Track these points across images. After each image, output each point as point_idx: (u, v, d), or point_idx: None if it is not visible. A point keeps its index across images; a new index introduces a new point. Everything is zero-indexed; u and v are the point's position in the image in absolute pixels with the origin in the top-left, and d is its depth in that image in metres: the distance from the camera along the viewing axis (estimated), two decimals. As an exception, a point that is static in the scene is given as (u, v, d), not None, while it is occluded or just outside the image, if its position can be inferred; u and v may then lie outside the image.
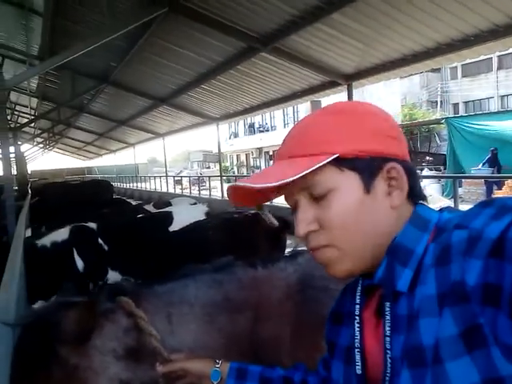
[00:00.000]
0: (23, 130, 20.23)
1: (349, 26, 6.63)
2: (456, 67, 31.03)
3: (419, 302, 0.71)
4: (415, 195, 0.81)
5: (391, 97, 28.22)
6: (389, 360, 0.74)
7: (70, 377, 1.26)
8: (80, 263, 3.94)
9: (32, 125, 20.81)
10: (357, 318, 0.84)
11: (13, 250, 2.84)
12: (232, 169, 42.90)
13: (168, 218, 4.46)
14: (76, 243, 3.99)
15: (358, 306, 0.85)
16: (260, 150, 39.65)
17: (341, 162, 0.77)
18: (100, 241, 4.11)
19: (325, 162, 0.75)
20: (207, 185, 18.06)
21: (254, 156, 41.51)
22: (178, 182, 21.48)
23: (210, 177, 18.99)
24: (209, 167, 47.25)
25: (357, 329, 0.83)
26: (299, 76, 9.16)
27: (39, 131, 23.95)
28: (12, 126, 16.18)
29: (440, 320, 0.66)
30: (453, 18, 5.85)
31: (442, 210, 0.80)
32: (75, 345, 1.28)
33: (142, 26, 7.16)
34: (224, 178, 17.45)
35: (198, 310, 1.48)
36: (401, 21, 6.18)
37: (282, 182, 0.74)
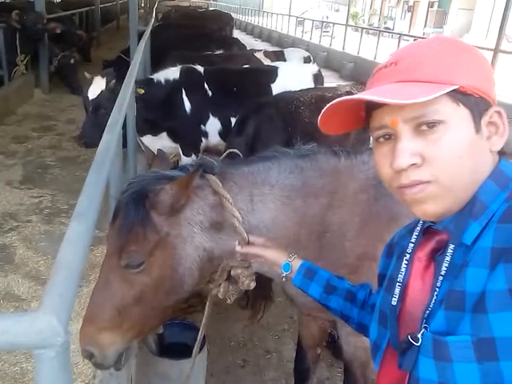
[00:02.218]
0: None
1: None
2: None
3: (473, 252, 0.73)
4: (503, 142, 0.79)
5: None
6: (434, 297, 0.77)
7: (162, 242, 1.40)
8: (187, 104, 4.07)
9: None
10: (407, 255, 0.87)
11: (127, 79, 2.92)
12: (362, 16, 38.87)
13: (272, 74, 4.34)
14: (185, 84, 4.06)
15: (412, 245, 0.87)
16: (398, -3, 34.75)
17: (459, 96, 0.74)
18: (206, 86, 4.14)
19: (450, 89, 0.72)
20: (331, 32, 16.75)
21: (391, 4, 36.71)
22: (300, 23, 20.17)
23: (334, 23, 17.50)
24: (338, 10, 43.25)
25: (404, 265, 0.87)
26: None
27: None
28: None
29: (491, 273, 0.68)
30: None
31: None
32: (169, 215, 1.41)
33: None
34: (350, 27, 15.97)
35: (278, 191, 1.56)
36: None
37: (429, 98, 0.69)
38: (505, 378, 0.67)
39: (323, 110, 0.83)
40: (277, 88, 4.21)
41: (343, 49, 14.31)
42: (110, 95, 3.62)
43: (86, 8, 12.98)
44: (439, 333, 0.73)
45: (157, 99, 3.95)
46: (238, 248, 1.35)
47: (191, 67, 4.23)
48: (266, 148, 1.73)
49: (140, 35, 5.70)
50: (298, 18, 21.06)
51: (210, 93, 4.13)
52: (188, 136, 4.12)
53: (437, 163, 0.74)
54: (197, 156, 4.13)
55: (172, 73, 4.10)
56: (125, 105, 2.38)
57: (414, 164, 0.75)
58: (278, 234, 1.55)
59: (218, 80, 4.19)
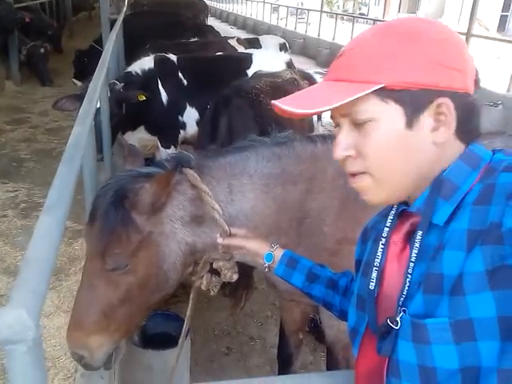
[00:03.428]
0: None
1: None
2: None
3: (449, 234, 0.73)
4: (468, 132, 0.78)
5: None
6: (407, 283, 0.78)
7: (145, 241, 1.38)
8: (164, 95, 3.97)
9: None
10: (383, 239, 0.87)
11: (98, 68, 2.76)
12: (337, 2, 38.82)
13: (247, 60, 4.29)
14: (161, 74, 3.96)
15: (387, 229, 0.88)
16: (373, -17, 34.82)
17: (386, 93, 0.74)
18: (180, 75, 4.06)
19: (368, 91, 0.73)
20: (306, 19, 16.67)
21: (365, -10, 36.77)
22: (275, 10, 20.01)
23: (309, 10, 17.42)
24: (312, -4, 43.12)
25: (380, 249, 0.87)
26: None
27: None
28: None
29: (468, 255, 0.69)
30: None
31: (495, 151, 0.79)
32: (150, 214, 1.38)
33: None
34: (325, 13, 15.91)
35: (257, 180, 1.56)
36: None
37: (319, 110, 0.74)
38: (482, 358, 0.68)
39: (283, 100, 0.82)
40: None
41: (318, 35, 14.27)
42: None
43: (56, -4, 12.62)
44: (418, 316, 0.74)
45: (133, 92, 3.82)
46: (219, 240, 1.34)
47: (165, 56, 4.12)
48: (238, 138, 1.72)
49: (112, 23, 5.56)
50: (272, 4, 20.90)
51: (185, 82, 4.04)
52: (166, 128, 4.03)
53: (368, 157, 0.77)
54: (176, 148, 4.06)
55: (147, 62, 3.99)
56: (96, 95, 2.30)
57: (349, 156, 0.79)
58: (257, 222, 1.55)
59: (192, 68, 4.11)
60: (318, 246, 1.63)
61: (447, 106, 0.74)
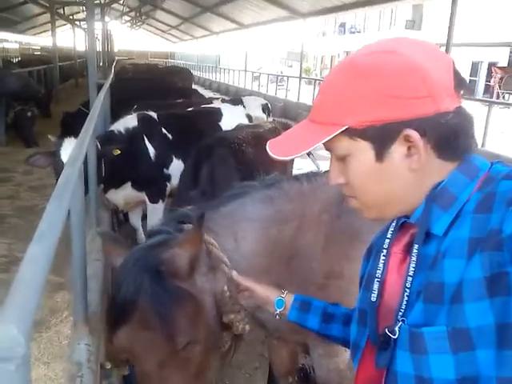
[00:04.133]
0: (112, 7, 20.22)
1: None
2: None
3: (448, 243, 0.74)
4: (453, 149, 0.78)
5: None
6: (406, 295, 0.78)
7: (195, 302, 1.30)
8: (152, 150, 4.08)
9: (121, 2, 20.69)
10: (384, 250, 0.89)
11: (84, 129, 2.80)
12: (314, 70, 41.04)
13: (218, 113, 4.62)
14: (146, 131, 4.09)
15: (388, 240, 0.89)
16: (348, 53, 37.17)
17: (352, 132, 0.78)
18: (164, 130, 4.21)
19: (332, 135, 0.78)
20: (286, 86, 17.51)
21: (341, 59, 39.15)
22: (256, 78, 21.01)
23: (288, 77, 18.35)
24: (291, 66, 45.53)
25: (381, 260, 0.88)
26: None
27: (127, 9, 23.93)
28: (101, 1, 16.18)
29: (468, 263, 0.69)
30: None
31: (494, 162, 0.80)
32: (190, 276, 1.32)
33: None
34: (304, 79, 16.78)
35: (255, 224, 1.62)
36: None
37: (296, 156, 0.81)
38: (480, 367, 0.68)
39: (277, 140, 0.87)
40: (224, 126, 4.45)
41: (298, 99, 14.95)
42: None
43: (45, 66, 13.09)
44: (417, 326, 0.74)
45: (122, 150, 3.87)
46: (234, 274, 1.35)
47: (146, 114, 4.30)
48: (223, 190, 1.75)
49: (100, 88, 5.77)
50: (254, 72, 21.97)
51: (169, 136, 4.20)
52: (154, 182, 4.11)
53: (351, 185, 0.84)
54: (163, 201, 4.11)
55: (130, 121, 4.14)
56: (86, 142, 2.37)
57: (341, 183, 0.85)
58: (256, 264, 1.58)
59: (173, 123, 4.30)
60: (307, 282, 1.65)
61: (413, 137, 0.74)
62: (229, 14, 17.81)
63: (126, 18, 26.17)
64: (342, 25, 36.49)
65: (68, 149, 3.53)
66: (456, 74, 0.78)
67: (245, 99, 6.24)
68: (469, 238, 0.71)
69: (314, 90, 14.43)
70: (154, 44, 42.61)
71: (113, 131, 4.02)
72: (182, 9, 21.08)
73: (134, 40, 43.20)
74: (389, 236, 0.89)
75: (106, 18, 16.62)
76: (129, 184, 4.02)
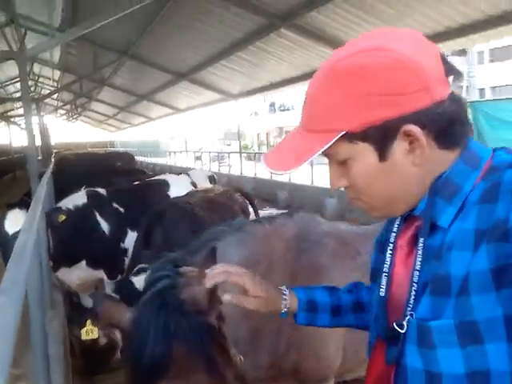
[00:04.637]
0: (46, 101, 20.53)
1: (370, 5, 6.53)
2: (483, 52, 29.92)
3: (454, 235, 0.73)
4: (452, 138, 0.77)
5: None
6: (414, 289, 0.77)
7: (221, 334, 1.15)
8: (105, 225, 4.09)
9: (55, 97, 21.10)
10: (390, 244, 0.87)
11: (29, 214, 2.73)
12: (252, 147, 42.81)
13: (165, 184, 4.90)
14: (96, 206, 4.13)
15: (393, 234, 0.88)
16: (280, 129, 39.39)
17: (351, 136, 0.76)
18: (115, 204, 4.28)
19: (332, 141, 0.76)
20: (227, 162, 18.12)
21: (275, 135, 41.26)
22: (199, 158, 21.59)
23: (229, 153, 19.04)
24: (229, 145, 47.19)
25: (388, 255, 0.87)
26: (318, 54, 9.08)
27: (62, 103, 24.30)
28: (36, 97, 16.46)
29: (474, 254, 0.68)
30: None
31: (495, 149, 0.79)
32: (210, 309, 1.16)
33: (163, -1, 7.17)
34: (244, 155, 17.48)
35: None
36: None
37: (294, 169, 0.78)
38: (490, 361, 0.67)
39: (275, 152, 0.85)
40: (173, 195, 4.63)
41: (241, 173, 15.46)
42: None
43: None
44: (424, 319, 0.73)
45: (71, 227, 3.85)
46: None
47: (96, 190, 4.37)
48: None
49: (41, 176, 5.75)
50: (195, 152, 22.59)
51: (121, 210, 4.26)
52: (111, 257, 4.06)
53: (355, 188, 0.82)
54: (122, 276, 4.03)
55: (79, 198, 4.17)
56: (35, 224, 2.30)
57: (343, 186, 0.84)
58: (230, 307, 1.52)
59: (123, 197, 4.39)
60: (278, 323, 1.65)
61: (413, 131, 0.73)
62: (165, 100, 18.57)
63: (62, 111, 26.51)
64: (272, 104, 39.02)
65: (13, 220, 3.56)
66: (444, 60, 0.77)
67: (191, 172, 6.44)
68: (475, 229, 0.69)
69: (254, 165, 15.05)
70: (92, 134, 42.86)
71: (60, 207, 4.01)
72: (117, 98, 21.66)
73: (71, 132, 43.26)
74: (394, 229, 0.88)
75: (42, 113, 16.82)
76: (83, 262, 3.95)
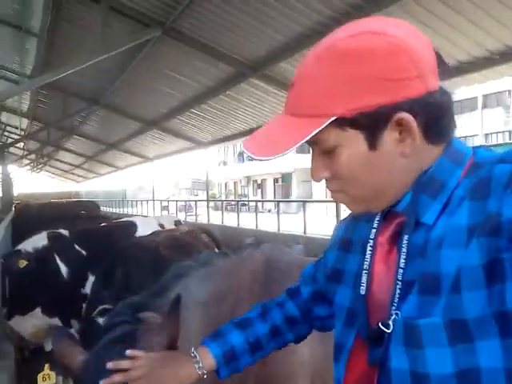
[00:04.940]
0: (12, 151, 20.09)
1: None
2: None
3: (444, 232, 0.71)
4: (439, 132, 0.76)
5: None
6: (398, 287, 0.74)
7: None
8: (64, 269, 3.88)
9: (21, 146, 20.72)
10: (370, 241, 0.84)
11: None
12: (220, 196, 42.91)
13: (133, 225, 4.86)
14: (57, 248, 3.95)
15: (374, 230, 0.85)
16: (248, 178, 39.86)
17: (341, 121, 0.72)
18: (77, 247, 4.09)
19: (322, 127, 0.72)
20: (194, 211, 18.00)
21: (243, 184, 41.66)
22: (166, 208, 21.37)
23: (196, 201, 18.98)
24: (197, 195, 47.26)
25: (368, 252, 0.84)
26: (287, 103, 9.34)
27: (27, 152, 23.85)
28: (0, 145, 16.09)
29: (465, 250, 0.67)
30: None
31: (475, 147, 0.79)
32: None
33: (134, 48, 7.32)
34: (211, 205, 17.44)
35: (200, 305, 1.60)
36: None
37: (280, 155, 0.73)
38: (480, 359, 0.65)
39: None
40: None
41: (208, 221, 15.34)
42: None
43: None
44: (411, 318, 0.71)
45: (28, 271, 3.66)
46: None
47: (57, 232, 4.22)
48: (138, 292, 1.69)
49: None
50: (162, 201, 22.38)
51: (84, 252, 4.07)
52: (69, 304, 3.82)
53: (340, 178, 0.78)
54: (78, 323, 3.79)
55: (39, 240, 3.98)
56: None
57: (326, 177, 0.80)
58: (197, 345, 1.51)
59: (87, 239, 4.25)
60: None
61: (406, 119, 0.71)
62: (134, 149, 18.55)
63: (26, 161, 25.98)
64: (241, 153, 39.62)
65: None
66: (435, 52, 0.76)
67: (158, 217, 6.44)
68: (467, 225, 0.68)
69: (222, 211, 15.01)
70: (56, 185, 42.01)
71: (19, 250, 3.82)
72: (85, 147, 21.50)
73: (35, 182, 42.30)
74: (374, 226, 0.85)
75: (6, 161, 16.39)
76: (38, 310, 3.70)
